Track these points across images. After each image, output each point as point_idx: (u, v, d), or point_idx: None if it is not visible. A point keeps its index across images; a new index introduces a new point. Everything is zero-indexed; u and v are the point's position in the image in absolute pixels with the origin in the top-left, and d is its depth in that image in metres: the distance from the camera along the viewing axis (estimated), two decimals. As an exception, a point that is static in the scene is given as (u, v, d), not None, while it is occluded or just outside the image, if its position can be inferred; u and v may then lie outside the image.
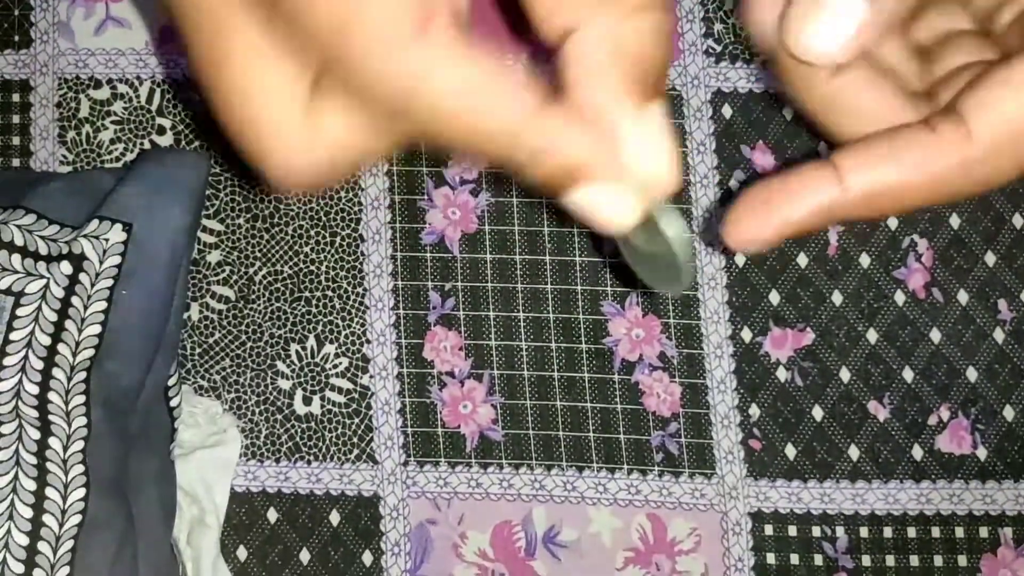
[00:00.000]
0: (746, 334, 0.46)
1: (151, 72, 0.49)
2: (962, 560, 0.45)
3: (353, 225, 0.47)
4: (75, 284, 0.39)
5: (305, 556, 0.47)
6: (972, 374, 0.46)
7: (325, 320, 0.47)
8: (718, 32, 0.47)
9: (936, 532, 0.45)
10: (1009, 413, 0.45)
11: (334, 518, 0.47)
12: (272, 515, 0.47)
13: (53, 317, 0.38)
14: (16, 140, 0.49)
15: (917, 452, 0.45)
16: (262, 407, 0.47)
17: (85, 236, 0.39)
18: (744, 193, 0.25)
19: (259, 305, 0.48)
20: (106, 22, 0.49)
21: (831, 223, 0.25)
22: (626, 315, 0.46)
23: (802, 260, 0.46)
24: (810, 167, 0.25)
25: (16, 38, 0.49)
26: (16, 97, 0.49)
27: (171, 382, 0.43)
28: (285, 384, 0.48)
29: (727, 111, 0.47)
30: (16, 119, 0.49)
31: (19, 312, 0.37)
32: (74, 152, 0.49)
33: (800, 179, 0.25)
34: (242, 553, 0.47)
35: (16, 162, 0.49)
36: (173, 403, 0.43)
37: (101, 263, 0.40)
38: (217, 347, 0.48)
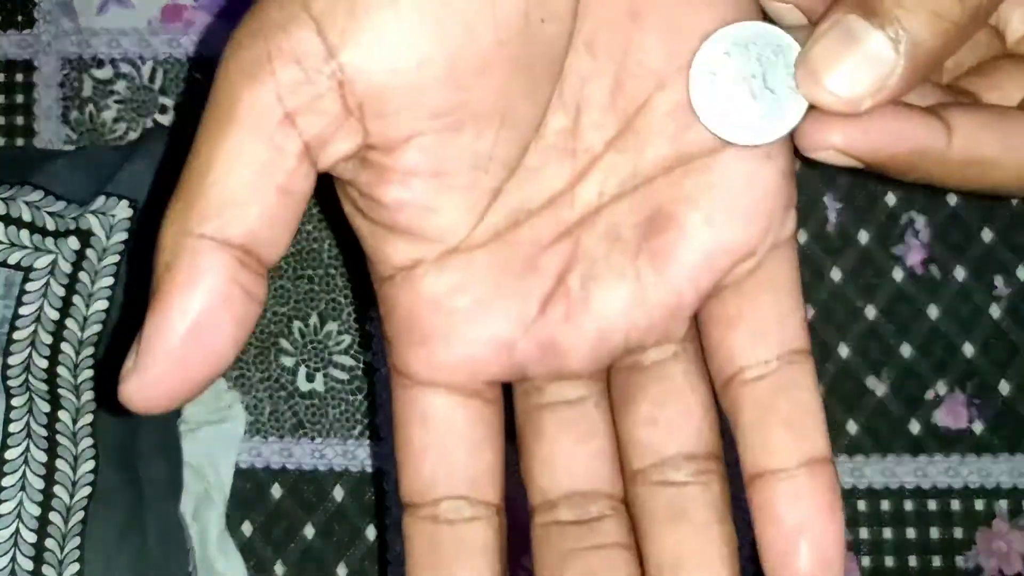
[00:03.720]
0: (746, 310, 0.47)
1: (154, 51, 0.49)
2: (958, 533, 0.45)
3: (356, 203, 0.48)
4: (82, 260, 0.39)
5: (309, 531, 0.47)
6: (969, 349, 0.46)
7: (328, 298, 0.48)
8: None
9: (932, 505, 0.46)
10: (1005, 388, 0.46)
11: (338, 494, 0.47)
12: (276, 491, 0.48)
13: (61, 292, 0.38)
14: (20, 120, 0.49)
15: (914, 426, 0.46)
16: (265, 384, 0.48)
17: (92, 212, 0.40)
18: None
19: (262, 283, 0.48)
20: (108, 2, 0.50)
21: (915, 175, 0.24)
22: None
23: (801, 237, 0.47)
24: (917, 109, 0.24)
25: (19, 18, 0.50)
26: (20, 77, 0.49)
27: (177, 358, 0.44)
28: (288, 361, 0.48)
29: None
30: (20, 99, 0.49)
31: (28, 287, 0.38)
32: (77, 131, 0.49)
33: (911, 115, 0.24)
34: (247, 528, 0.47)
35: (20, 142, 0.49)
36: (179, 379, 0.44)
37: (108, 239, 0.40)
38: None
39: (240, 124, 0.21)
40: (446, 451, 0.24)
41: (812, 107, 0.24)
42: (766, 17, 0.25)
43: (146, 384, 0.21)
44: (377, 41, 0.21)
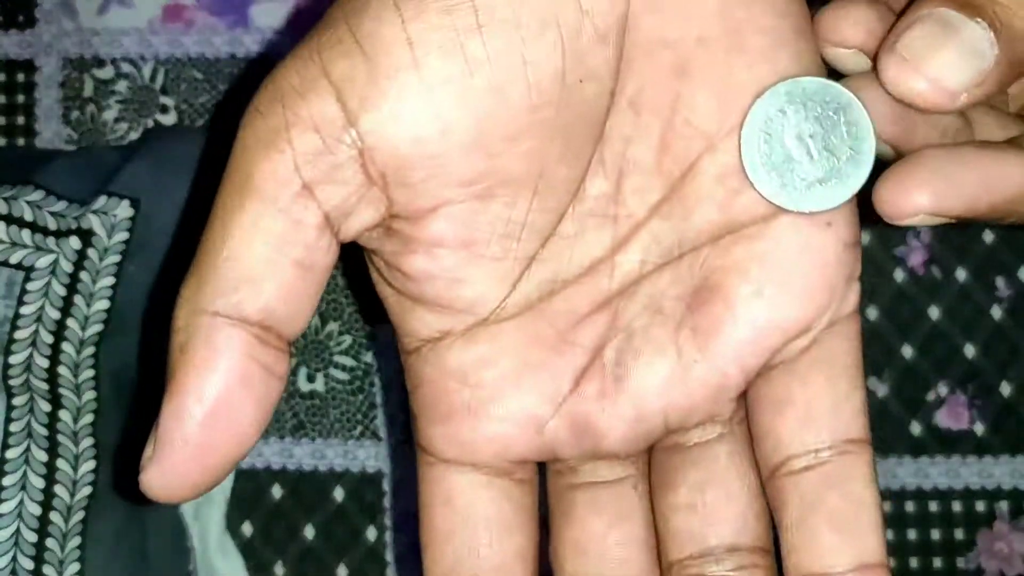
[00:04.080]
0: (747, 311, 0.47)
1: (155, 51, 0.49)
2: (959, 534, 0.45)
3: (357, 204, 0.48)
4: (84, 259, 0.39)
5: (310, 532, 0.47)
6: (970, 351, 0.46)
7: (329, 298, 0.48)
8: None
9: (933, 507, 0.46)
10: (1006, 389, 0.46)
11: (338, 494, 0.47)
12: (277, 491, 0.47)
13: (62, 292, 0.38)
14: (21, 120, 0.49)
15: (915, 428, 0.46)
16: (267, 385, 0.48)
17: (94, 212, 0.40)
18: (914, 156, 0.22)
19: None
20: (109, 2, 0.50)
21: (1013, 213, 0.22)
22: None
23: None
24: (1007, 147, 0.22)
25: (20, 18, 0.50)
26: (21, 77, 0.49)
27: (177, 358, 0.44)
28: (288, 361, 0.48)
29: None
30: (21, 99, 0.49)
31: (29, 287, 0.38)
32: (79, 131, 0.49)
33: (1007, 157, 0.21)
34: (247, 529, 0.47)
35: (21, 141, 0.49)
36: (179, 379, 0.44)
37: (109, 238, 0.40)
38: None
39: (256, 196, 0.20)
40: (471, 534, 0.23)
41: (886, 169, 0.21)
42: (829, 69, 0.23)
43: (166, 474, 0.20)
44: (398, 108, 0.20)
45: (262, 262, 0.20)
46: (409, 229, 0.21)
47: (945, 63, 0.21)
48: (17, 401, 0.36)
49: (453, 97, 0.20)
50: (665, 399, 0.23)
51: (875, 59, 0.22)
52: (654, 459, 0.24)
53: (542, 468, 0.24)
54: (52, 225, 0.39)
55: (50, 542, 0.36)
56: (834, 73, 0.24)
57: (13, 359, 0.37)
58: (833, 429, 0.22)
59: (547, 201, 0.22)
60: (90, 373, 0.39)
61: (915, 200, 0.21)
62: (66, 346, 0.38)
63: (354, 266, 0.48)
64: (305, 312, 0.21)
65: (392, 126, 0.20)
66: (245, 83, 0.49)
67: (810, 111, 0.22)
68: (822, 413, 0.22)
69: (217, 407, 0.20)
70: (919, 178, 0.21)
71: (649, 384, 0.23)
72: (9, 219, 0.38)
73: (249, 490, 0.47)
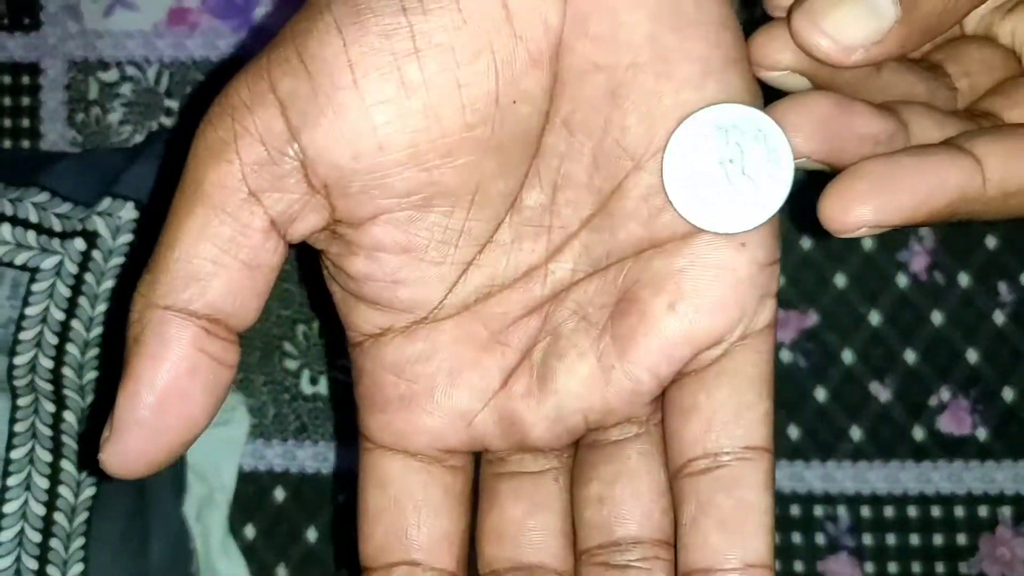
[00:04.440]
0: (750, 315, 0.47)
1: (159, 54, 0.50)
2: (961, 539, 0.45)
3: (361, 207, 0.48)
4: (88, 261, 0.39)
5: (312, 534, 0.47)
6: (972, 356, 0.46)
7: (332, 301, 0.48)
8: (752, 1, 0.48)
9: (936, 512, 0.46)
10: (1008, 394, 0.46)
11: (340, 497, 0.47)
12: (279, 494, 0.47)
13: (67, 293, 0.38)
14: (25, 122, 0.49)
15: (918, 433, 0.46)
16: (269, 387, 0.48)
17: (98, 214, 0.40)
18: (853, 170, 0.22)
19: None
20: (114, 5, 0.50)
21: (955, 217, 0.23)
22: (631, 296, 0.47)
23: (805, 243, 0.47)
24: (942, 151, 0.23)
25: (26, 21, 0.50)
26: (26, 79, 0.50)
27: (181, 361, 0.44)
28: (292, 364, 0.48)
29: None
30: (26, 101, 0.49)
31: (34, 288, 0.38)
32: (83, 134, 0.49)
33: (940, 164, 0.22)
34: (250, 531, 0.47)
35: (25, 144, 0.49)
36: (183, 381, 0.44)
37: (114, 240, 0.40)
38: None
39: (205, 202, 0.22)
40: (401, 515, 0.24)
41: (831, 188, 0.22)
42: (766, 92, 0.24)
43: (122, 453, 0.21)
44: (338, 125, 0.21)
45: (210, 262, 0.22)
46: (351, 234, 0.23)
47: (842, 19, 0.22)
48: (22, 402, 0.36)
49: (390, 116, 0.22)
50: (584, 400, 0.24)
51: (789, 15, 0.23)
52: (577, 454, 0.25)
53: (479, 457, 0.26)
54: (57, 227, 0.39)
55: (54, 542, 0.36)
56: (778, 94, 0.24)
57: (18, 360, 0.37)
58: (733, 436, 0.23)
59: (484, 211, 0.23)
60: (94, 375, 0.39)
61: (857, 214, 0.22)
62: (71, 347, 0.38)
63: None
64: (254, 307, 0.23)
65: (331, 141, 0.22)
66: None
67: (731, 137, 0.23)
68: (724, 420, 0.23)
69: (167, 393, 0.21)
70: (859, 191, 0.22)
71: (570, 385, 0.24)
72: (15, 221, 0.38)
73: (252, 493, 0.47)
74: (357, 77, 0.21)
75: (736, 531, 0.23)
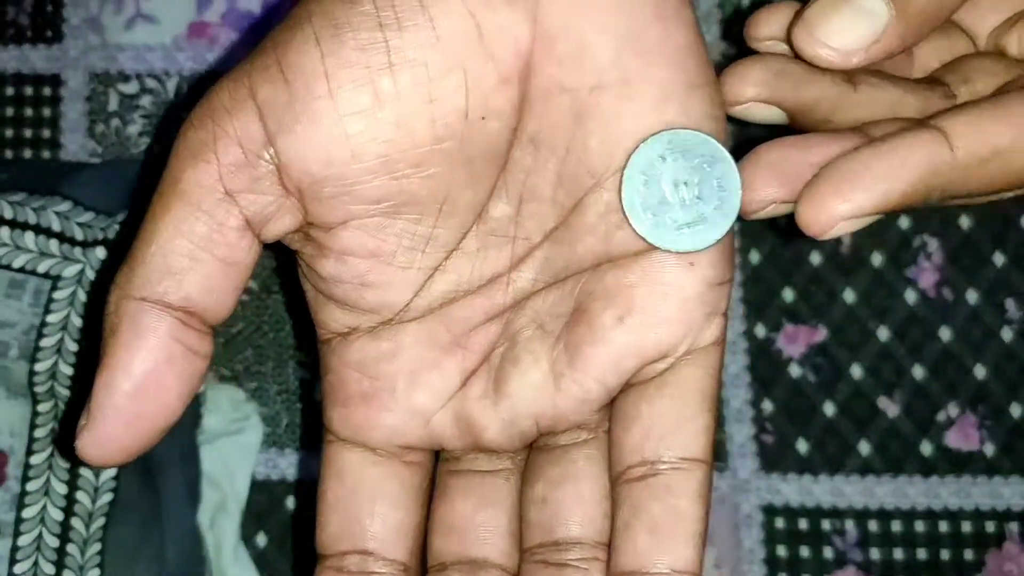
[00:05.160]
0: (760, 330, 0.47)
1: (179, 67, 0.50)
2: (968, 554, 0.46)
3: (376, 219, 0.48)
4: (109, 270, 0.40)
5: (324, 543, 0.47)
6: (980, 372, 0.46)
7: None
8: (736, 33, 0.48)
9: (943, 527, 0.46)
10: (1016, 410, 0.46)
11: (352, 507, 0.48)
12: (291, 503, 0.48)
13: (87, 300, 0.39)
14: (46, 133, 0.50)
15: (926, 448, 0.46)
16: (283, 396, 0.48)
17: (120, 223, 0.40)
18: (820, 173, 0.23)
19: (281, 296, 0.49)
20: (135, 18, 0.51)
21: (935, 195, 0.23)
22: (642, 310, 0.47)
23: (815, 259, 0.47)
24: (909, 131, 0.23)
25: (48, 33, 0.51)
26: (47, 91, 0.50)
27: (197, 369, 0.44)
28: (305, 374, 0.48)
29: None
30: (47, 112, 0.50)
31: (55, 295, 0.38)
32: (103, 145, 0.49)
33: (903, 143, 0.23)
34: (261, 540, 0.47)
35: (46, 154, 0.50)
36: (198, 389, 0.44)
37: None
38: (240, 337, 0.48)
39: (182, 199, 0.22)
40: (356, 506, 0.25)
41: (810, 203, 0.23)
42: (731, 121, 0.26)
43: (98, 440, 0.22)
44: (312, 132, 0.22)
45: (186, 257, 0.23)
46: (323, 237, 0.24)
47: (838, 27, 0.24)
48: (42, 407, 0.36)
49: (362, 126, 0.23)
50: (536, 405, 0.25)
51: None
52: (530, 456, 0.26)
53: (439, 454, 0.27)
54: (79, 236, 0.39)
55: (71, 548, 0.36)
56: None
57: (38, 366, 0.38)
58: (671, 446, 0.24)
59: (451, 220, 0.24)
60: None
61: (831, 211, 0.23)
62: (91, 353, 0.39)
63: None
64: (228, 302, 0.23)
65: (305, 147, 0.23)
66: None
67: (688, 161, 0.24)
68: (663, 431, 0.24)
69: (143, 381, 0.22)
70: (829, 189, 0.23)
71: (523, 391, 0.25)
72: (38, 229, 0.39)
73: (264, 502, 0.48)
74: (333, 87, 0.22)
75: (665, 537, 0.23)
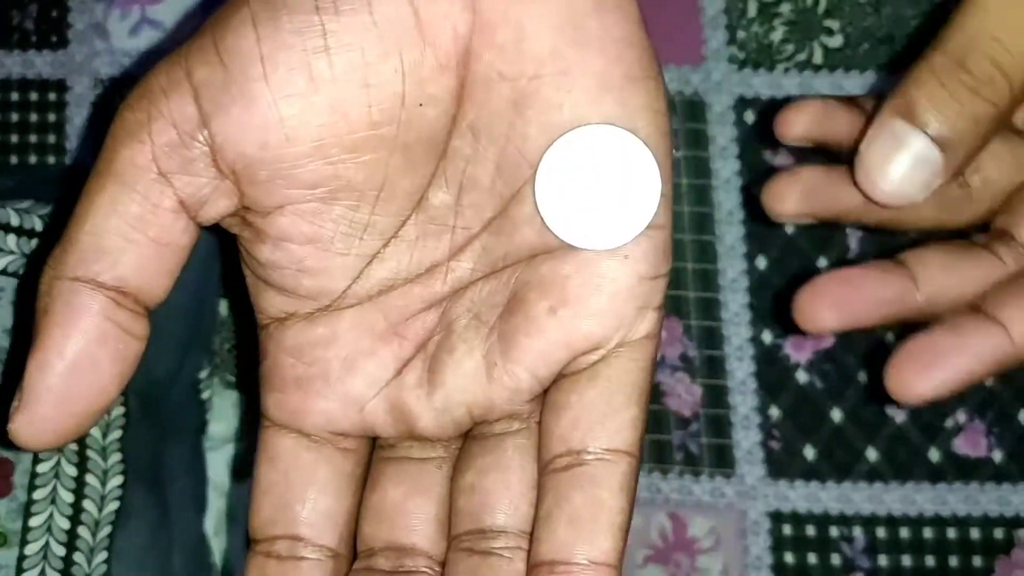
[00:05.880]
0: (767, 336, 0.47)
1: (184, 73, 0.50)
2: (977, 561, 0.46)
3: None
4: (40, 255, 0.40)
5: (330, 550, 0.47)
6: (988, 378, 0.46)
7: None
8: (741, 39, 0.48)
9: (952, 533, 0.46)
10: (1024, 417, 0.46)
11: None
12: (297, 509, 0.48)
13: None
14: (52, 138, 0.50)
15: (934, 454, 0.46)
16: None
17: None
18: (906, 346, 0.27)
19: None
20: (141, 23, 0.51)
21: (998, 373, 0.28)
22: (649, 316, 0.47)
23: (822, 264, 0.47)
24: (970, 321, 0.27)
25: (53, 39, 0.51)
26: (52, 96, 0.50)
27: (202, 375, 0.44)
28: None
29: (749, 117, 0.48)
30: (52, 118, 0.50)
31: (61, 303, 0.38)
32: (108, 150, 0.50)
33: (969, 334, 0.27)
34: (268, 546, 0.47)
35: (51, 160, 0.50)
36: (204, 396, 0.44)
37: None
38: (246, 343, 0.48)
39: (116, 179, 0.22)
40: (288, 491, 0.25)
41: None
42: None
43: (32, 422, 0.22)
44: (246, 115, 0.22)
45: (120, 237, 0.22)
46: (260, 222, 0.24)
47: (899, 177, 0.26)
48: (48, 416, 0.36)
49: (297, 109, 0.23)
50: (469, 394, 0.25)
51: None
52: (463, 445, 0.26)
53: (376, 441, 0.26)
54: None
55: (78, 556, 0.36)
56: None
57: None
58: (597, 437, 0.24)
59: (390, 207, 0.24)
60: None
61: (920, 388, 0.27)
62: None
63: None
64: (163, 284, 0.23)
65: (240, 130, 0.23)
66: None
67: (605, 156, 0.24)
68: (590, 422, 0.24)
69: (77, 361, 0.22)
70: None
71: (456, 380, 0.25)
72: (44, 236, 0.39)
73: (270, 507, 0.48)
74: (268, 70, 0.22)
75: (585, 528, 0.23)
